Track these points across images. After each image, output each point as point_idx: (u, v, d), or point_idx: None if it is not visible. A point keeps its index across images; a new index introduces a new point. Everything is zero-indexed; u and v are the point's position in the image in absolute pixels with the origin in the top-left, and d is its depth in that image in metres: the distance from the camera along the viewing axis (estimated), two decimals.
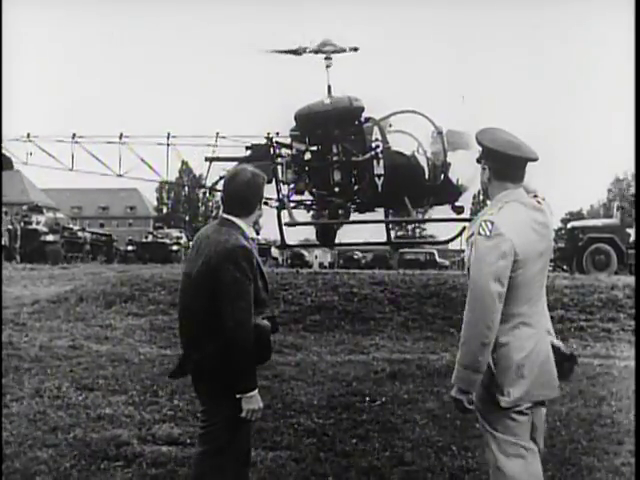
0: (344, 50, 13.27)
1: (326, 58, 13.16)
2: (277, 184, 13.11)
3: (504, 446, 3.24)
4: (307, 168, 12.96)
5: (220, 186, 11.09)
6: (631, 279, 14.43)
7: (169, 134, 14.03)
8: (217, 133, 13.94)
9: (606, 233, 20.46)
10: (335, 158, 12.75)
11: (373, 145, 12.52)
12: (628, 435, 5.66)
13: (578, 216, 60.15)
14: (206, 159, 13.64)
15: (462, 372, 3.09)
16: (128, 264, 29.04)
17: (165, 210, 75.77)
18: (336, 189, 12.86)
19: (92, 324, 11.25)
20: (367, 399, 6.94)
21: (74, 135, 14.61)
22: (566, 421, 6.19)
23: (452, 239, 13.40)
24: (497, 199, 3.28)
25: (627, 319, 11.52)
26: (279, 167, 12.95)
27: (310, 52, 13.35)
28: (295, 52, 13.31)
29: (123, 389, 7.20)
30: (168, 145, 13.92)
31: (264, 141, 13.36)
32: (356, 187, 12.97)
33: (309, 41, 13.22)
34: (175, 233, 39.88)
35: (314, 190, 13.22)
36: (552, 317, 11.71)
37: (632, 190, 34.84)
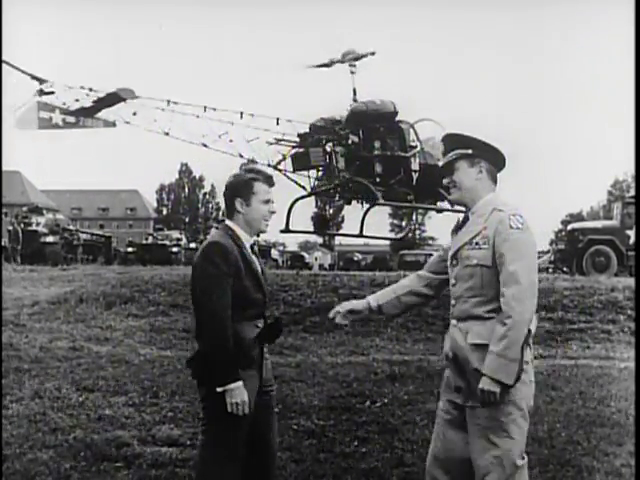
0: (365, 56, 14.71)
1: (350, 65, 14.60)
2: (322, 170, 14.46)
3: (521, 445, 3.21)
4: (355, 158, 14.38)
5: (282, 166, 14.19)
6: (631, 281, 14.45)
7: (242, 113, 15.02)
8: (277, 118, 14.87)
9: (606, 235, 20.46)
10: (378, 152, 14.15)
11: (412, 144, 14.09)
12: (628, 436, 5.66)
13: (578, 218, 60.24)
14: (268, 143, 14.76)
15: (505, 364, 3.08)
16: (128, 265, 29.02)
17: (165, 211, 75.79)
18: (377, 179, 14.19)
19: (92, 325, 11.26)
20: (367, 400, 6.94)
21: (169, 101, 14.94)
22: (566, 422, 6.20)
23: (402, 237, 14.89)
24: (487, 202, 3.32)
25: (627, 321, 11.54)
26: (333, 154, 14.21)
27: (337, 62, 14.86)
28: (326, 65, 14.90)
29: (123, 390, 7.20)
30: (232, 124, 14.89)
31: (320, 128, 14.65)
32: (394, 179, 14.26)
33: (337, 51, 14.65)
34: (175, 235, 39.83)
35: (349, 177, 14.40)
36: (552, 318, 11.72)
37: (632, 192, 34.87)
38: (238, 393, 3.36)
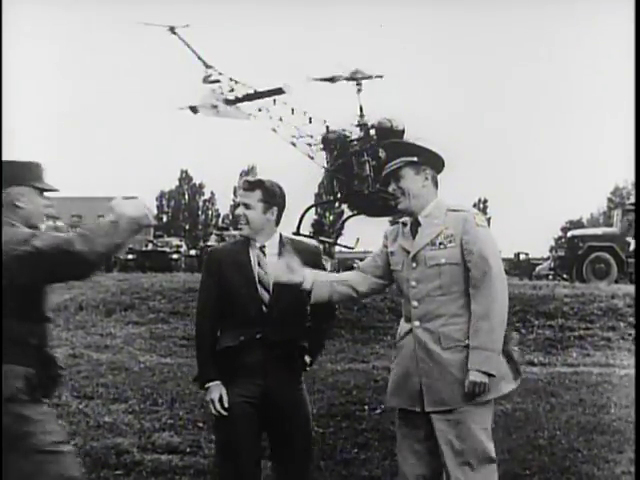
0: (371, 77, 15.87)
1: (357, 84, 15.69)
2: (353, 179, 15.90)
3: (489, 436, 3.28)
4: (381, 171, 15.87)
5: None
6: (631, 288, 14.45)
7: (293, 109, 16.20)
8: (325, 122, 16.33)
9: (606, 242, 20.45)
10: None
11: None
12: (628, 443, 5.66)
13: (578, 225, 60.19)
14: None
15: (493, 357, 3.18)
16: (128, 272, 29.00)
17: (165, 218, 75.80)
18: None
19: (92, 332, 11.26)
20: (367, 407, 6.94)
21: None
22: (566, 429, 6.19)
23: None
24: (437, 205, 3.41)
25: (627, 328, 11.53)
26: (366, 164, 15.58)
27: (343, 80, 15.90)
28: (331, 80, 15.85)
29: (123, 398, 7.20)
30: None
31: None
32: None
33: (342, 70, 15.77)
34: (175, 241, 39.80)
35: (379, 189, 15.49)
36: (552, 325, 11.72)
37: (632, 199, 34.91)
38: (211, 391, 3.47)
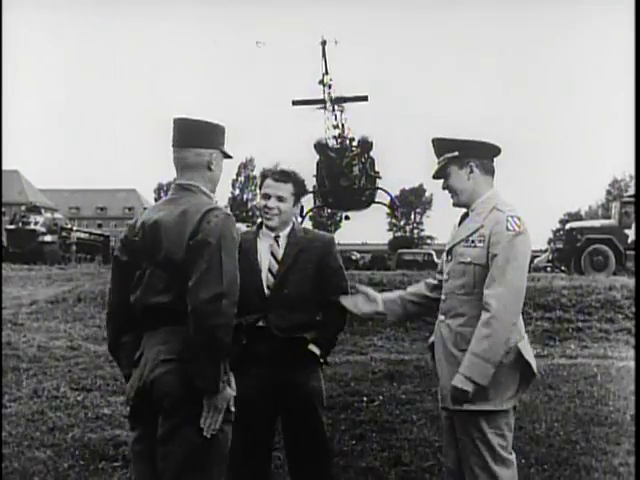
0: (355, 99, 19.48)
1: (339, 107, 19.23)
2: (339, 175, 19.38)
3: (499, 450, 3.17)
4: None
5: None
6: (629, 280, 14.46)
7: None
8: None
9: (604, 234, 20.47)
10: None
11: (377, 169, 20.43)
12: (626, 435, 5.67)
13: (576, 217, 60.31)
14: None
15: (482, 365, 3.06)
16: None
17: None
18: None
19: (90, 324, 11.26)
20: (365, 399, 6.95)
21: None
22: (564, 421, 6.20)
23: None
24: (486, 200, 3.31)
25: (625, 320, 11.55)
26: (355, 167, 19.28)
27: (326, 103, 18.94)
28: (320, 101, 18.95)
29: (121, 389, 7.19)
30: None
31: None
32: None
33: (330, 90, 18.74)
34: None
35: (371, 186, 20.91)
36: (550, 318, 11.72)
37: (631, 191, 34.90)
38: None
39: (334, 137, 19.05)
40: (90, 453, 5.15)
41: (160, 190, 77.63)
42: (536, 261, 29.73)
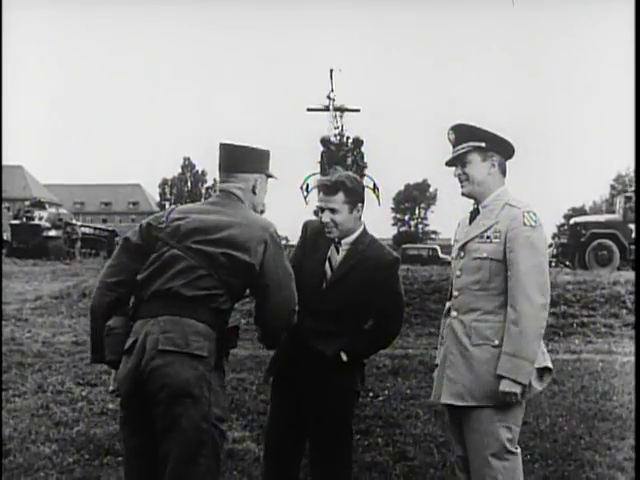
0: (350, 110, 23.21)
1: (339, 114, 22.90)
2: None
3: (506, 444, 3.19)
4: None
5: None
6: (633, 275, 14.43)
7: None
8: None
9: (608, 229, 20.44)
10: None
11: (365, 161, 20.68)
12: (630, 430, 5.67)
13: (580, 212, 60.12)
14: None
15: (522, 364, 3.11)
16: None
17: (167, 205, 75.73)
18: None
19: None
20: (370, 394, 6.94)
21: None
22: (568, 416, 6.20)
23: None
24: (498, 196, 3.31)
25: (629, 315, 11.53)
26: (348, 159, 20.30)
27: (330, 110, 22.89)
28: (326, 109, 22.96)
29: None
30: None
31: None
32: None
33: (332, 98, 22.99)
34: None
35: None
36: (554, 313, 11.73)
37: (634, 186, 34.80)
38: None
39: (335, 135, 22.85)
40: (95, 448, 5.16)
41: (164, 185, 77.65)
42: None
